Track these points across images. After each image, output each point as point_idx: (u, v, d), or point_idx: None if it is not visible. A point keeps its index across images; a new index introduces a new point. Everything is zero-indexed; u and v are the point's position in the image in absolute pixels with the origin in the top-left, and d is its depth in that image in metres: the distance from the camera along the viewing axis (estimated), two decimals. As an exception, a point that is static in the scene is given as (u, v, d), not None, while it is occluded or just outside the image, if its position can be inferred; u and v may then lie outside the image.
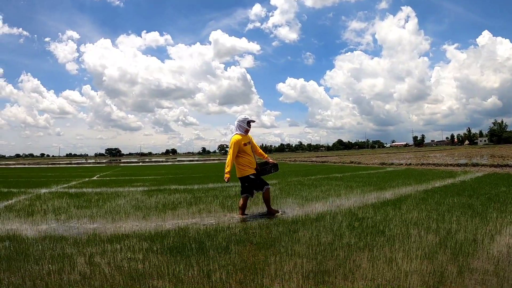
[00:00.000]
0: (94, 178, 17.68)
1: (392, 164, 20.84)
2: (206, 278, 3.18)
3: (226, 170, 5.79)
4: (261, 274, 3.23)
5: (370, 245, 4.11)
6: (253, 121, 6.12)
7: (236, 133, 6.00)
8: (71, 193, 10.33)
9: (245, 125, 6.03)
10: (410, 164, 19.56)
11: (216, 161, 50.36)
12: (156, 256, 3.85)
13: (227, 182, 5.90)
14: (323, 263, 3.52)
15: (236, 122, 6.06)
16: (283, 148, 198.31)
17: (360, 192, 8.81)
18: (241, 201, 6.23)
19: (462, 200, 6.69)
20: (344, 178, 13.18)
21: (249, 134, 6.24)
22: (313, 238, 4.46)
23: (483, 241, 4.07)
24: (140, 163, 50.52)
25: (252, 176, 6.00)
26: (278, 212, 6.31)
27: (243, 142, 5.95)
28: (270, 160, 6.34)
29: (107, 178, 17.29)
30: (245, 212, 6.32)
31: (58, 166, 42.23)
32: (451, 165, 17.31)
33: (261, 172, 6.19)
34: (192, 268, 3.42)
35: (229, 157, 5.88)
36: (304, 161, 37.15)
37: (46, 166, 43.10)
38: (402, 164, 19.81)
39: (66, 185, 13.38)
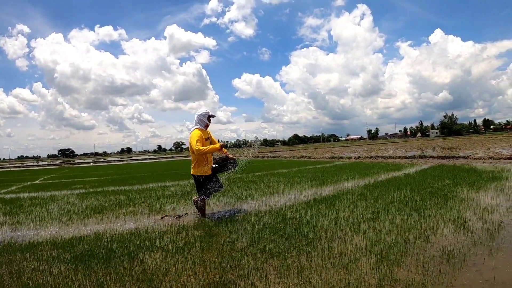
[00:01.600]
0: (37, 181, 16.88)
1: (341, 157, 20.92)
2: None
3: (213, 147, 5.55)
4: (156, 286, 3.01)
5: (286, 251, 3.69)
6: (213, 116, 5.94)
7: (196, 128, 5.74)
8: (6, 198, 9.89)
9: (206, 120, 5.82)
10: (359, 157, 19.67)
11: (169, 159, 49.49)
12: (59, 266, 3.64)
13: (228, 155, 5.94)
14: (228, 273, 3.20)
15: (196, 116, 5.81)
16: (239, 144, 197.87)
17: (300, 188, 8.44)
18: (196, 198, 5.94)
19: (402, 195, 6.43)
20: (288, 173, 12.86)
21: (208, 129, 6.05)
22: (227, 243, 4.11)
23: (415, 243, 3.69)
24: (91, 164, 48.57)
25: (201, 180, 5.76)
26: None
27: (204, 137, 5.71)
28: (230, 156, 6.09)
29: (50, 181, 16.49)
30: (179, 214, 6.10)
31: (4, 170, 39.73)
32: (399, 157, 17.59)
33: (220, 169, 5.98)
34: (89, 278, 3.24)
35: (202, 148, 5.44)
36: (255, 156, 36.79)
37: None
38: (351, 158, 19.89)
39: (4, 190, 12.79)
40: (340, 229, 4.37)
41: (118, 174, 19.75)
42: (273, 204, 6.49)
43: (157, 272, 3.29)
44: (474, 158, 14.33)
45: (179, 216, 5.98)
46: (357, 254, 3.43)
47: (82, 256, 3.88)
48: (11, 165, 62.58)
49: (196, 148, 5.39)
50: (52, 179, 18.37)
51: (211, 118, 5.90)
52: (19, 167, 50.41)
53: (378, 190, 7.20)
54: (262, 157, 33.47)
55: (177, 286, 2.98)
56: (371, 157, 19.26)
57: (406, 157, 17.15)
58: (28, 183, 15.96)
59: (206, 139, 5.75)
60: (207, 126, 5.86)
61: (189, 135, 5.67)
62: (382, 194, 6.71)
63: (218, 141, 6.27)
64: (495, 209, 5.11)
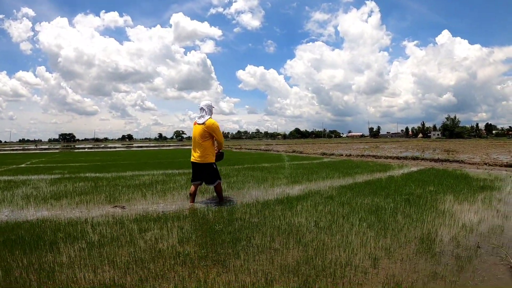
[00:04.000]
0: (22, 165, 16.79)
1: (332, 154, 20.18)
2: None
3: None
4: (48, 277, 2.82)
5: (204, 258, 3.19)
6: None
7: (211, 117, 5.89)
8: (-19, 181, 9.95)
9: (213, 110, 6.04)
10: (350, 155, 18.96)
11: (166, 147, 50.25)
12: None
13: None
14: (126, 275, 2.86)
15: (206, 107, 5.91)
16: (240, 136, 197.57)
17: (270, 185, 7.83)
18: (192, 188, 6.01)
19: (374, 201, 5.75)
20: (269, 168, 12.28)
21: None
22: (151, 241, 3.75)
23: (356, 268, 2.96)
24: (86, 149, 48.92)
25: (214, 166, 5.94)
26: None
27: None
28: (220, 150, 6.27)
29: (35, 166, 16.44)
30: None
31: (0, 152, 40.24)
32: (391, 157, 16.88)
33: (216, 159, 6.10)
34: (1, 264, 3.12)
35: (222, 139, 5.95)
36: (250, 149, 36.22)
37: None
38: (342, 155, 19.17)
39: (-16, 173, 12.91)
40: (280, 238, 3.73)
41: (104, 161, 19.55)
42: (228, 202, 5.93)
43: (62, 264, 3.11)
44: (469, 163, 13.62)
45: (124, 207, 5.73)
46: (277, 274, 2.76)
47: (12, 241, 3.81)
48: (7, 148, 62.77)
49: (221, 137, 5.86)
50: (38, 163, 18.29)
51: None
52: (16, 150, 50.80)
53: (351, 193, 6.53)
54: (256, 150, 32.88)
55: (67, 281, 2.77)
56: (363, 155, 18.56)
57: (398, 158, 16.44)
58: (14, 166, 15.92)
59: None
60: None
61: (208, 123, 5.72)
62: (352, 198, 6.03)
63: None
64: (476, 227, 4.28)
